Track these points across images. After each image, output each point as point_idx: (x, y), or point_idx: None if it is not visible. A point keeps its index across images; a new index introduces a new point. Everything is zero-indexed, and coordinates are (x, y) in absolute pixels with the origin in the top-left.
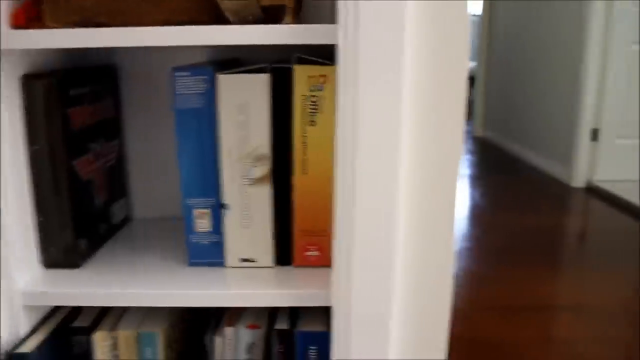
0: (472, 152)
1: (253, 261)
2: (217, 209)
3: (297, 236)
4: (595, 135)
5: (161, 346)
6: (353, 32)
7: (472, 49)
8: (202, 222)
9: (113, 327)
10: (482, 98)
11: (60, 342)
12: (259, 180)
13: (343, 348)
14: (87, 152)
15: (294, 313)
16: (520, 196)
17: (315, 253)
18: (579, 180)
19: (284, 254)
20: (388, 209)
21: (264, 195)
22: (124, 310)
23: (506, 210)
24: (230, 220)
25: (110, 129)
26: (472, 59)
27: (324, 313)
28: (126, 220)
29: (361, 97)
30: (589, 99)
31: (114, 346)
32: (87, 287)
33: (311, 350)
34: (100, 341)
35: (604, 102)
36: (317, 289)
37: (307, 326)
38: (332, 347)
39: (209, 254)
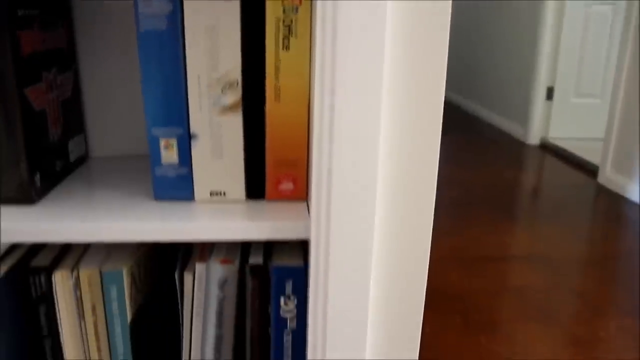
0: None
1: (223, 194)
2: (185, 140)
3: (270, 168)
4: (550, 93)
5: (127, 284)
6: None
7: None
8: (169, 154)
9: (74, 266)
10: None
11: (16, 283)
12: (229, 108)
13: (321, 282)
14: (39, 80)
15: (268, 249)
16: (476, 153)
17: (290, 186)
18: (533, 137)
19: (256, 187)
20: (369, 139)
21: (234, 124)
22: (85, 249)
23: (463, 166)
24: (199, 151)
25: (64, 59)
26: None
27: (299, 248)
28: (84, 159)
29: (341, 21)
30: (544, 59)
31: (76, 286)
32: (45, 222)
33: (287, 285)
34: (61, 281)
35: (558, 61)
36: (292, 221)
37: (283, 261)
38: (309, 281)
39: (176, 187)
